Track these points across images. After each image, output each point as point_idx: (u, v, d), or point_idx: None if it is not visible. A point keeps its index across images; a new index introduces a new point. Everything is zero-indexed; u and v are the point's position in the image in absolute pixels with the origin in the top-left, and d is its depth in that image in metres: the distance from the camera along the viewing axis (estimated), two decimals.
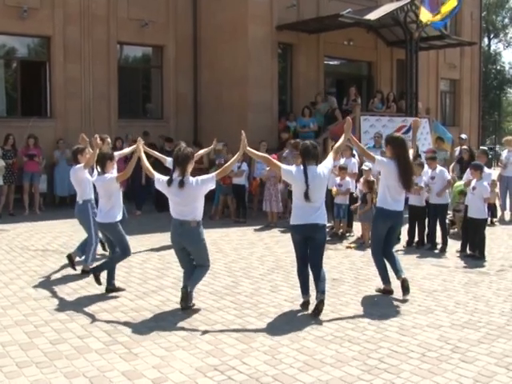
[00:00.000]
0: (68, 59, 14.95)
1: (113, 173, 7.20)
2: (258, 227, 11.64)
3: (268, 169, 12.17)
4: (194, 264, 6.28)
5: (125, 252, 6.90)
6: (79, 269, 7.71)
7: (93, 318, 5.82)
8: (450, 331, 5.52)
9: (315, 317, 5.90)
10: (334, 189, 10.45)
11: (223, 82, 15.88)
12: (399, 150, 6.74)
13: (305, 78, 16.64)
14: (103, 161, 6.92)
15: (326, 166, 6.27)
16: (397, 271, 6.84)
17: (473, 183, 8.86)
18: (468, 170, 9.68)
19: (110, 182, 6.82)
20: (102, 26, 15.41)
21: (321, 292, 6.06)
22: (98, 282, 6.76)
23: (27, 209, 13.07)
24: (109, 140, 8.23)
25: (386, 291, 6.88)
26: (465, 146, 12.93)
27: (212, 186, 6.22)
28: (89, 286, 7.03)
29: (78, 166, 7.66)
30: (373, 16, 15.04)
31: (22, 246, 9.43)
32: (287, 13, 15.71)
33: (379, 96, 16.51)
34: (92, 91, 15.33)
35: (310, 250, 6.24)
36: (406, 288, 6.69)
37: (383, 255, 6.95)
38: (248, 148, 6.31)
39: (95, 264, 7.35)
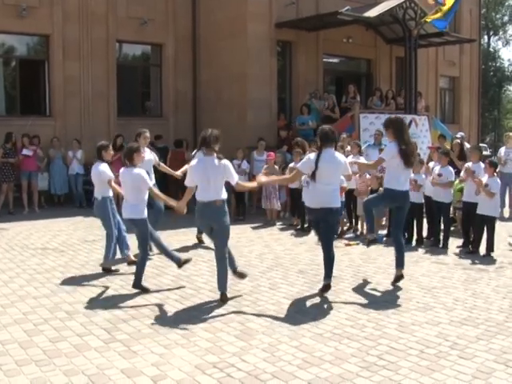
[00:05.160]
0: (67, 57, 14.93)
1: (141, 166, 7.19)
2: (256, 225, 11.65)
3: (266, 166, 12.19)
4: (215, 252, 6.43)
5: (145, 251, 6.94)
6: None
7: (92, 316, 5.82)
8: (448, 328, 5.53)
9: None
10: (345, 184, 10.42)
11: (222, 79, 15.88)
12: (399, 131, 6.94)
13: (304, 76, 16.63)
14: (130, 154, 6.93)
15: (345, 159, 6.74)
16: (400, 263, 7.06)
17: (485, 180, 8.84)
18: (464, 167, 9.67)
19: (139, 180, 6.82)
20: (101, 24, 15.40)
21: (328, 277, 6.53)
22: (146, 290, 6.76)
23: (26, 207, 13.09)
24: (112, 152, 8.34)
25: (371, 241, 7.40)
26: (457, 140, 12.89)
27: (228, 180, 6.40)
28: (88, 285, 7.04)
29: (102, 164, 7.72)
30: (372, 13, 15.04)
31: (21, 245, 9.43)
32: (286, 10, 15.70)
33: (378, 94, 16.52)
34: (91, 89, 15.32)
35: (321, 230, 6.65)
36: (396, 281, 7.00)
37: (392, 237, 7.40)
38: (268, 179, 7.13)
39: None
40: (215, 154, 6.28)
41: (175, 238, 9.58)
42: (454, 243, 9.47)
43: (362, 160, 10.94)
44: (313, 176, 6.32)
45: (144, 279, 7.21)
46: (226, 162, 6.34)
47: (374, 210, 7.42)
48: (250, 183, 6.96)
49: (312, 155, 6.59)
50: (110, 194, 7.75)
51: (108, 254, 7.72)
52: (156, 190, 7.08)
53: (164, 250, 7.19)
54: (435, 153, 10.64)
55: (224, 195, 6.33)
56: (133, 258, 7.82)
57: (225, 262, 6.37)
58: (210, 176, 6.21)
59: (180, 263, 7.10)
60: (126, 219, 7.06)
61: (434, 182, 9.44)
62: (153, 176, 8.85)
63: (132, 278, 7.13)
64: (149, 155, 8.74)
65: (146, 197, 7.01)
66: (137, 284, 6.76)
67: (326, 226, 6.56)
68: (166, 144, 14.62)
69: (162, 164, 9.12)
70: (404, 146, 6.87)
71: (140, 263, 6.88)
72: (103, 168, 7.69)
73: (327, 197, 6.42)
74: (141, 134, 8.74)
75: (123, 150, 7.44)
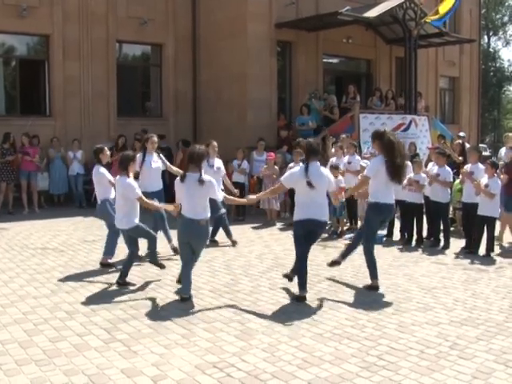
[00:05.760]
0: (67, 58, 14.95)
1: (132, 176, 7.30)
2: (256, 225, 11.65)
3: (266, 167, 12.20)
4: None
5: (153, 239, 7.24)
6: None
7: (92, 316, 5.81)
8: (448, 328, 5.53)
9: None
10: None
11: (222, 79, 15.89)
12: (386, 145, 6.83)
13: (304, 76, 16.64)
14: (126, 162, 7.01)
15: (330, 175, 6.74)
16: (374, 275, 6.97)
17: (485, 180, 8.82)
18: (462, 171, 9.67)
19: (128, 189, 6.91)
20: (101, 24, 15.41)
21: (304, 288, 6.48)
22: (162, 266, 7.28)
23: (26, 207, 13.08)
24: (108, 153, 8.32)
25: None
26: (459, 141, 12.90)
27: (213, 196, 6.49)
28: (88, 284, 7.04)
29: (101, 167, 7.86)
30: (372, 14, 15.05)
31: (21, 245, 9.43)
32: (286, 11, 15.70)
33: (378, 94, 16.53)
34: (91, 89, 15.32)
35: (309, 242, 6.65)
36: (371, 290, 6.88)
37: (364, 249, 7.13)
38: (256, 196, 7.12)
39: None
40: (201, 172, 6.31)
41: (174, 239, 9.55)
42: (454, 243, 9.47)
43: (357, 159, 10.97)
44: (310, 185, 6.34)
45: (143, 278, 7.23)
46: (210, 179, 6.38)
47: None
48: (239, 199, 7.08)
49: (295, 169, 6.62)
50: (110, 196, 7.80)
51: (108, 251, 7.88)
52: (146, 200, 7.04)
53: (126, 263, 7.13)
54: (434, 153, 10.64)
55: (208, 214, 6.37)
56: (108, 261, 7.91)
57: (190, 269, 6.52)
58: (196, 196, 6.26)
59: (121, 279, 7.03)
60: (119, 229, 7.22)
61: (432, 179, 9.41)
62: (161, 183, 8.73)
63: (133, 278, 7.14)
64: (156, 163, 8.67)
65: (137, 205, 7.09)
66: (154, 262, 7.31)
67: (314, 238, 6.69)
68: (168, 144, 14.64)
69: (170, 166, 9.02)
70: (392, 160, 6.75)
71: (151, 243, 7.22)
72: (102, 171, 7.83)
73: (322, 209, 6.50)
74: (148, 140, 8.72)
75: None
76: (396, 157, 6.78)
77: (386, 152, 6.80)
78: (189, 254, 6.48)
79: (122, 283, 6.93)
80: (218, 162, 9.69)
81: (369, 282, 7.03)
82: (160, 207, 7.35)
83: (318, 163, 6.52)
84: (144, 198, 7.02)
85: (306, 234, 6.51)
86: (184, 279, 6.45)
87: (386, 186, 6.88)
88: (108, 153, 8.19)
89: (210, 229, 6.79)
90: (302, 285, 6.46)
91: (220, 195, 6.66)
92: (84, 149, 14.16)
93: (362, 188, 7.19)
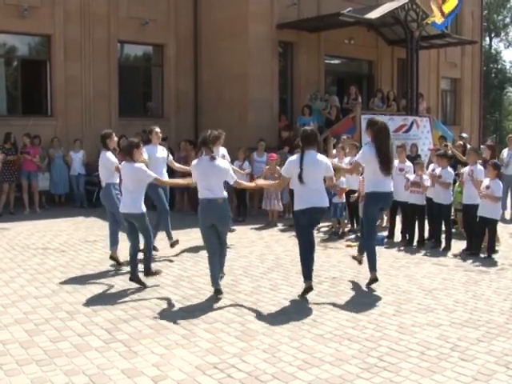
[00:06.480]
0: (68, 58, 14.96)
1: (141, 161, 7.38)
2: (257, 226, 11.64)
3: (267, 167, 12.19)
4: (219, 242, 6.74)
5: (149, 240, 7.20)
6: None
7: (93, 316, 5.82)
8: (449, 330, 5.52)
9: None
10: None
11: (224, 80, 15.89)
12: (378, 133, 6.85)
13: (305, 77, 16.62)
14: (130, 149, 7.05)
15: (327, 161, 6.67)
16: (373, 266, 7.00)
17: (486, 182, 8.80)
18: (466, 169, 9.65)
19: (140, 173, 6.94)
20: (103, 24, 15.42)
21: (310, 278, 6.55)
22: (155, 273, 7.37)
23: (27, 207, 13.08)
24: (115, 138, 8.33)
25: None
26: (460, 142, 12.89)
27: (227, 179, 6.68)
28: (89, 285, 7.04)
29: (108, 152, 7.93)
30: (373, 15, 15.02)
31: (22, 245, 9.43)
32: (288, 11, 15.69)
33: (379, 95, 16.52)
34: (92, 90, 15.34)
35: (311, 231, 6.72)
36: (371, 284, 6.96)
37: (365, 242, 7.18)
38: (264, 183, 7.17)
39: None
40: (214, 154, 6.58)
41: (176, 237, 9.56)
42: (455, 245, 9.45)
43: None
44: (300, 178, 6.34)
45: (145, 279, 7.22)
46: (224, 161, 6.64)
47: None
48: (248, 183, 7.13)
49: (293, 157, 6.63)
50: (115, 180, 7.84)
51: (113, 241, 7.95)
52: (161, 179, 7.45)
53: (133, 257, 7.09)
54: (435, 156, 10.62)
55: (225, 194, 6.57)
56: (116, 255, 7.95)
57: (226, 250, 6.95)
58: (211, 175, 6.42)
59: (133, 277, 7.01)
60: (124, 213, 7.10)
61: (432, 179, 9.38)
62: (166, 174, 8.71)
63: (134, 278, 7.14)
64: (161, 152, 8.76)
65: (144, 191, 7.12)
66: (148, 272, 7.21)
67: (316, 224, 6.75)
68: (169, 145, 14.62)
69: (172, 161, 9.16)
70: (382, 150, 6.77)
71: (147, 253, 7.21)
72: (109, 155, 7.90)
73: (318, 196, 6.47)
74: (152, 131, 8.76)
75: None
76: (385, 147, 6.82)
77: (376, 141, 6.86)
78: (215, 242, 6.60)
79: (135, 280, 6.95)
80: (223, 150, 9.79)
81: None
82: (175, 183, 8.00)
83: (314, 151, 6.49)
84: (159, 177, 7.27)
85: (308, 222, 6.55)
86: (213, 270, 6.54)
87: (378, 176, 6.87)
88: (115, 138, 8.21)
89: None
90: (308, 275, 6.50)
91: (232, 179, 6.76)
92: (85, 149, 14.17)
93: (350, 173, 7.18)
